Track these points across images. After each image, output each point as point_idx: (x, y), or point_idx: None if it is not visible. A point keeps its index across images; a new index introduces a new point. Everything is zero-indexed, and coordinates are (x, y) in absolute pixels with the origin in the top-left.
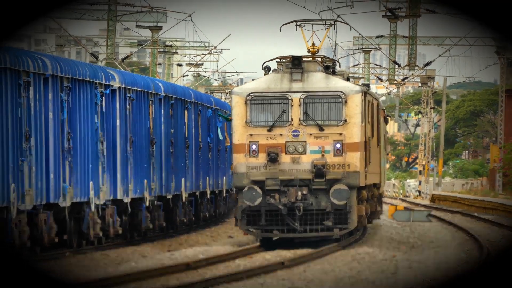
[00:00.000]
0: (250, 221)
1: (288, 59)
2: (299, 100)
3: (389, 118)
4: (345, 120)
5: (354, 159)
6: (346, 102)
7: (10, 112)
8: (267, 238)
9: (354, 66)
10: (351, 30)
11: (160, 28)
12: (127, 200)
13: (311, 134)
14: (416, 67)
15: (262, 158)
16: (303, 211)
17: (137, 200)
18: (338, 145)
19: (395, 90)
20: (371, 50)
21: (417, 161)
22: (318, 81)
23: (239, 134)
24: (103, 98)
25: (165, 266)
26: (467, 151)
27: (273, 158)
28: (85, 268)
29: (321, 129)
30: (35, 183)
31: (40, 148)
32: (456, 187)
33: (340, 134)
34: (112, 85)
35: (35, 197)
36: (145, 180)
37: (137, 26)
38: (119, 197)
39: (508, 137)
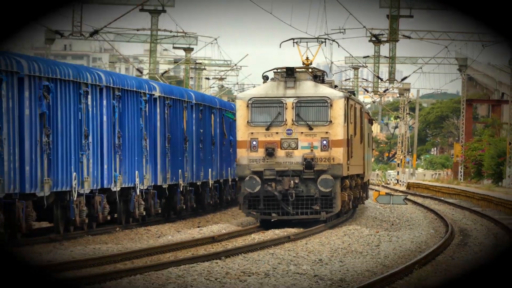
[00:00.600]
0: (251, 205)
1: (283, 69)
2: (292, 104)
3: (374, 121)
4: (331, 121)
5: (338, 153)
6: (331, 106)
7: (73, 116)
8: (265, 220)
9: (345, 80)
10: (338, 47)
11: (192, 49)
12: (165, 186)
13: (302, 133)
14: (395, 81)
15: (261, 153)
16: (295, 197)
17: (173, 186)
18: (324, 142)
19: (378, 99)
20: (359, 67)
21: (396, 156)
22: (308, 88)
23: (242, 132)
24: (147, 104)
25: (195, 239)
26: (435, 148)
27: (270, 153)
28: (132, 240)
29: (311, 128)
30: (92, 172)
31: (96, 144)
32: (427, 176)
33: (326, 132)
34: (153, 94)
35: (92, 183)
36: (179, 170)
37: (174, 47)
38: (159, 184)
39: (468, 137)
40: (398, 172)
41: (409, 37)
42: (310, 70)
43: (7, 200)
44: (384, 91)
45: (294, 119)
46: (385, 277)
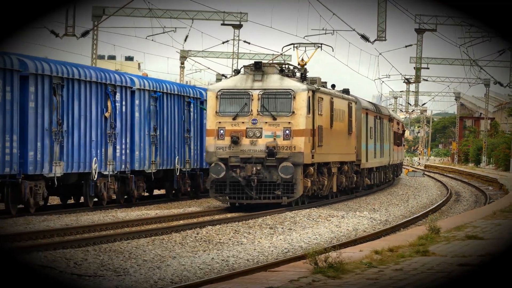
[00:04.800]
0: (217, 190)
1: (253, 64)
2: (258, 96)
3: (399, 123)
4: (293, 112)
5: (299, 142)
6: (294, 97)
7: (179, 119)
8: (233, 203)
9: (389, 105)
10: (382, 83)
11: None
12: None
13: (266, 122)
14: (418, 105)
15: (227, 141)
16: (259, 182)
17: None
18: (287, 131)
19: (408, 116)
20: (397, 97)
21: (418, 149)
22: (274, 81)
23: (211, 122)
24: None
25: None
26: (441, 144)
27: (235, 141)
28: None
29: (274, 119)
30: (193, 156)
31: (195, 137)
32: (436, 161)
33: (289, 122)
34: None
35: (193, 164)
36: None
37: None
38: None
39: (460, 138)
40: (419, 158)
41: (426, 80)
42: (278, 64)
43: (122, 174)
44: (412, 111)
45: (259, 110)
46: (412, 219)
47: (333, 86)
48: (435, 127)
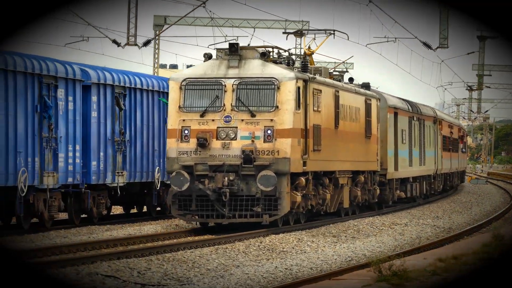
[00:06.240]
0: (181, 206)
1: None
2: (233, 86)
3: (468, 137)
4: (277, 107)
5: (284, 145)
6: (278, 88)
7: None
8: (204, 223)
9: (452, 112)
10: (444, 90)
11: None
12: None
13: (242, 120)
14: (481, 112)
15: (193, 144)
16: (232, 197)
17: None
18: (269, 131)
19: (471, 123)
20: (459, 104)
21: (481, 156)
22: (254, 67)
23: (173, 120)
24: None
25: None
26: (504, 151)
27: (202, 143)
28: None
29: (253, 115)
30: None
31: None
32: (499, 168)
33: (271, 120)
34: None
35: None
36: None
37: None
38: None
39: None
40: (482, 165)
41: (489, 87)
42: (261, 47)
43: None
44: (474, 118)
45: (234, 104)
46: (475, 226)
47: (350, 79)
48: (497, 134)
